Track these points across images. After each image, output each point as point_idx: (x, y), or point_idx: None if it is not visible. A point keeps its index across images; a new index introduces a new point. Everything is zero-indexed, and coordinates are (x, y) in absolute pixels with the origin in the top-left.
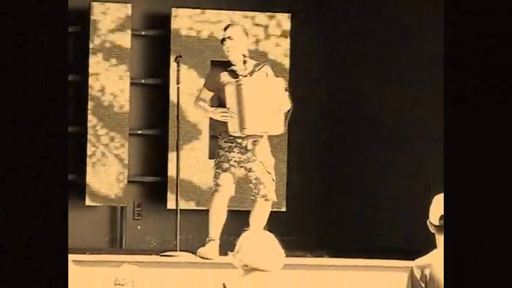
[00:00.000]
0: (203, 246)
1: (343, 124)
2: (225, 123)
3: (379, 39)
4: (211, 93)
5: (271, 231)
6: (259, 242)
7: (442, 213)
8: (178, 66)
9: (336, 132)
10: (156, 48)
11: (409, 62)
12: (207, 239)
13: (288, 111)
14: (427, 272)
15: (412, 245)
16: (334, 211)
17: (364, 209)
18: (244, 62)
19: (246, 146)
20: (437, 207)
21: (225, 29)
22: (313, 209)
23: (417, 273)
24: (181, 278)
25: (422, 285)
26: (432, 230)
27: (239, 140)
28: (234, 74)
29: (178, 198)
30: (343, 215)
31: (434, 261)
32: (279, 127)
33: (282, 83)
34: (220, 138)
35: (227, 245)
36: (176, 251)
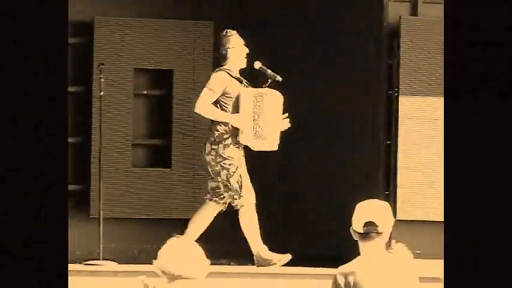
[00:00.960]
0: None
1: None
2: (230, 131)
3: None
4: (215, 97)
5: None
6: (181, 250)
7: (366, 220)
8: (100, 74)
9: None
10: (79, 56)
11: (344, 66)
12: (257, 254)
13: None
14: (350, 279)
15: (339, 252)
16: (260, 219)
17: (293, 216)
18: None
19: (244, 155)
20: (360, 215)
21: (234, 35)
22: (236, 216)
23: (341, 281)
24: (105, 287)
25: None
26: (356, 237)
27: (241, 149)
28: (240, 83)
29: (101, 206)
30: (270, 222)
31: (357, 269)
32: (276, 143)
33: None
34: (222, 146)
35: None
36: (99, 259)
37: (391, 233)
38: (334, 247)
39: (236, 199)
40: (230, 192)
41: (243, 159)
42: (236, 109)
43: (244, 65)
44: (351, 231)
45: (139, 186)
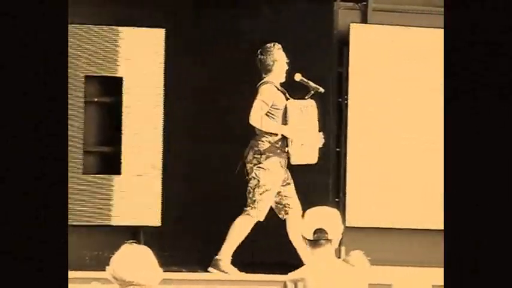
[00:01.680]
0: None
1: (224, 137)
2: (271, 141)
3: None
4: (267, 109)
5: (146, 246)
6: (134, 257)
7: (316, 227)
8: None
9: (214, 147)
10: None
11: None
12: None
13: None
14: (300, 285)
15: (289, 259)
16: (210, 225)
17: None
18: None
19: (284, 163)
20: (310, 222)
21: (280, 48)
22: (188, 223)
23: (290, 287)
24: None
25: None
26: (305, 244)
27: (283, 161)
28: (284, 95)
29: None
30: (219, 229)
31: (307, 275)
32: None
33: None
34: (264, 157)
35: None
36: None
37: (341, 239)
38: (283, 254)
39: (249, 206)
40: (249, 200)
41: (281, 174)
42: (283, 121)
43: (283, 79)
44: (301, 238)
45: (90, 193)
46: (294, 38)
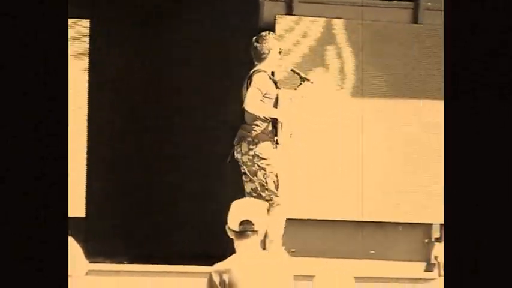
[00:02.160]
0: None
1: (147, 130)
2: (268, 131)
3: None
4: (261, 97)
5: (72, 237)
6: None
7: (242, 218)
8: None
9: (137, 139)
10: None
11: (219, 65)
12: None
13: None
14: (225, 277)
15: (213, 250)
16: (134, 217)
17: (164, 214)
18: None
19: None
20: (236, 213)
21: (275, 37)
22: (113, 215)
23: (216, 279)
24: None
25: None
26: (231, 235)
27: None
28: (276, 85)
29: None
30: (143, 221)
31: (233, 267)
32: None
33: None
34: (260, 145)
35: None
36: None
37: (267, 231)
38: (209, 245)
39: (273, 198)
40: (267, 192)
41: (280, 159)
42: None
43: (275, 68)
44: (227, 230)
45: None
46: (219, 30)
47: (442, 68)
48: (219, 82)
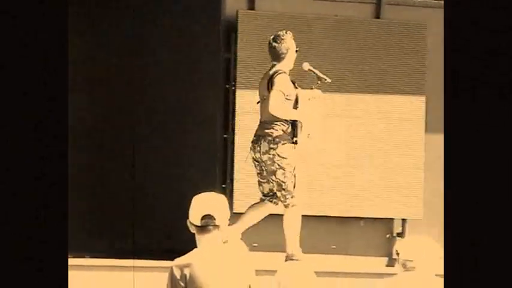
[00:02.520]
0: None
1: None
2: (288, 131)
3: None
4: (284, 98)
5: None
6: None
7: (204, 213)
8: None
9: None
10: None
11: (181, 60)
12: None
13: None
14: (186, 271)
15: (176, 245)
16: (92, 211)
17: (133, 207)
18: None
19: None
20: (197, 208)
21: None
22: (70, 209)
23: (177, 273)
24: None
25: (182, 284)
26: (192, 230)
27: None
28: (294, 85)
29: None
30: (105, 215)
31: (194, 261)
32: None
33: None
34: (280, 145)
35: None
36: None
37: (228, 225)
38: (170, 239)
39: (288, 198)
40: (283, 192)
41: (297, 159)
42: None
43: (292, 67)
44: (188, 224)
45: None
46: (181, 25)
47: (408, 63)
48: (181, 78)
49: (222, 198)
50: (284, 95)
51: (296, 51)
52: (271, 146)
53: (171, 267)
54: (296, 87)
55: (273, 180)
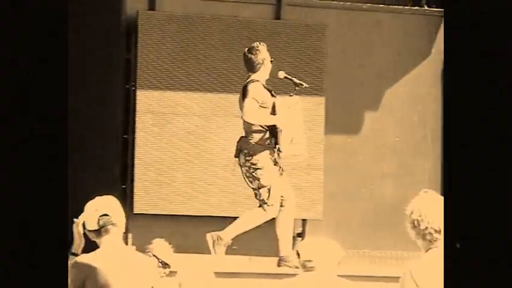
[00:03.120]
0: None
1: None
2: (259, 139)
3: None
4: (258, 106)
5: None
6: None
7: (100, 214)
8: None
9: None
10: None
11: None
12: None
13: None
14: (86, 271)
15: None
16: None
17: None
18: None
19: (275, 159)
20: (92, 212)
21: (264, 47)
22: None
23: (76, 272)
24: None
25: (78, 284)
26: (92, 237)
27: (272, 156)
28: (271, 93)
29: None
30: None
31: (94, 260)
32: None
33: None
34: (256, 156)
35: None
36: None
37: (127, 225)
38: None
39: (264, 205)
40: (260, 201)
41: (277, 168)
42: None
43: (267, 77)
44: (87, 234)
45: None
46: (82, 25)
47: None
48: (80, 79)
49: (112, 199)
50: (258, 102)
51: (271, 61)
52: (247, 158)
53: (71, 265)
54: (274, 95)
55: (253, 188)
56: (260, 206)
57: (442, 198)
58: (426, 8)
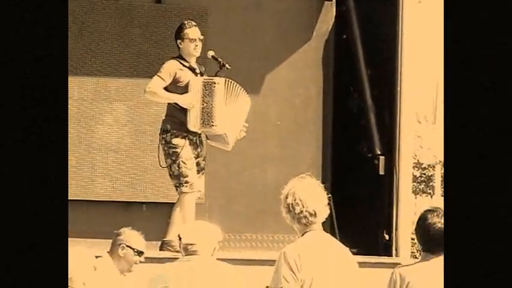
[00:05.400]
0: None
1: None
2: (178, 119)
3: None
4: (164, 85)
5: None
6: None
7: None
8: None
9: None
10: None
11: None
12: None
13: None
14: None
15: None
16: None
17: None
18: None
19: (196, 142)
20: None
21: (191, 26)
22: None
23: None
24: None
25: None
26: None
27: (191, 136)
28: (194, 72)
29: None
30: None
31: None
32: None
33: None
34: (169, 135)
35: None
36: None
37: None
38: None
39: (178, 186)
40: (173, 180)
41: (190, 148)
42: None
43: (198, 55)
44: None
45: None
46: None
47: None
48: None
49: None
50: (163, 80)
51: (195, 40)
52: (163, 135)
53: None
54: (197, 74)
55: (169, 168)
56: (176, 189)
57: (317, 182)
58: None
